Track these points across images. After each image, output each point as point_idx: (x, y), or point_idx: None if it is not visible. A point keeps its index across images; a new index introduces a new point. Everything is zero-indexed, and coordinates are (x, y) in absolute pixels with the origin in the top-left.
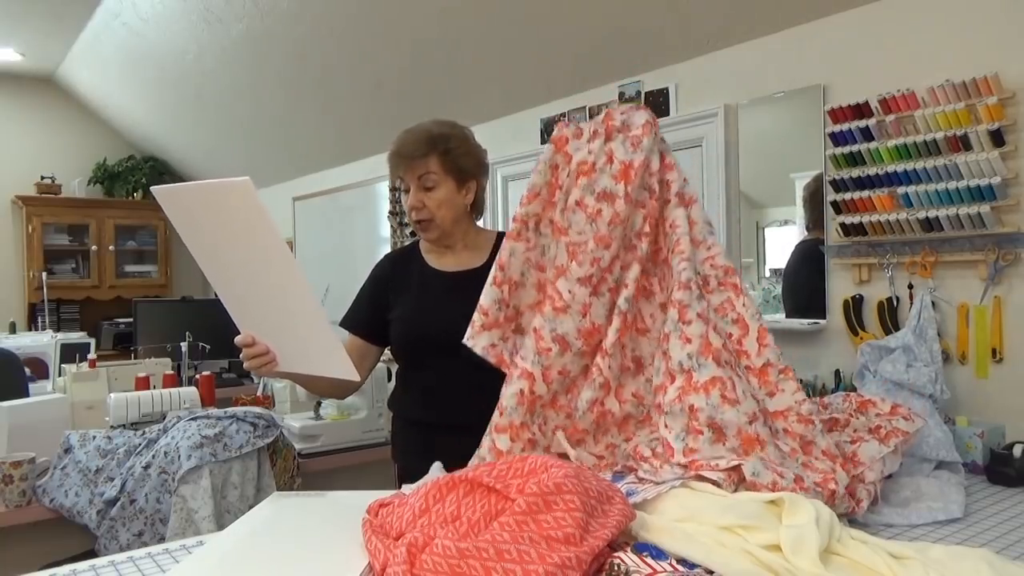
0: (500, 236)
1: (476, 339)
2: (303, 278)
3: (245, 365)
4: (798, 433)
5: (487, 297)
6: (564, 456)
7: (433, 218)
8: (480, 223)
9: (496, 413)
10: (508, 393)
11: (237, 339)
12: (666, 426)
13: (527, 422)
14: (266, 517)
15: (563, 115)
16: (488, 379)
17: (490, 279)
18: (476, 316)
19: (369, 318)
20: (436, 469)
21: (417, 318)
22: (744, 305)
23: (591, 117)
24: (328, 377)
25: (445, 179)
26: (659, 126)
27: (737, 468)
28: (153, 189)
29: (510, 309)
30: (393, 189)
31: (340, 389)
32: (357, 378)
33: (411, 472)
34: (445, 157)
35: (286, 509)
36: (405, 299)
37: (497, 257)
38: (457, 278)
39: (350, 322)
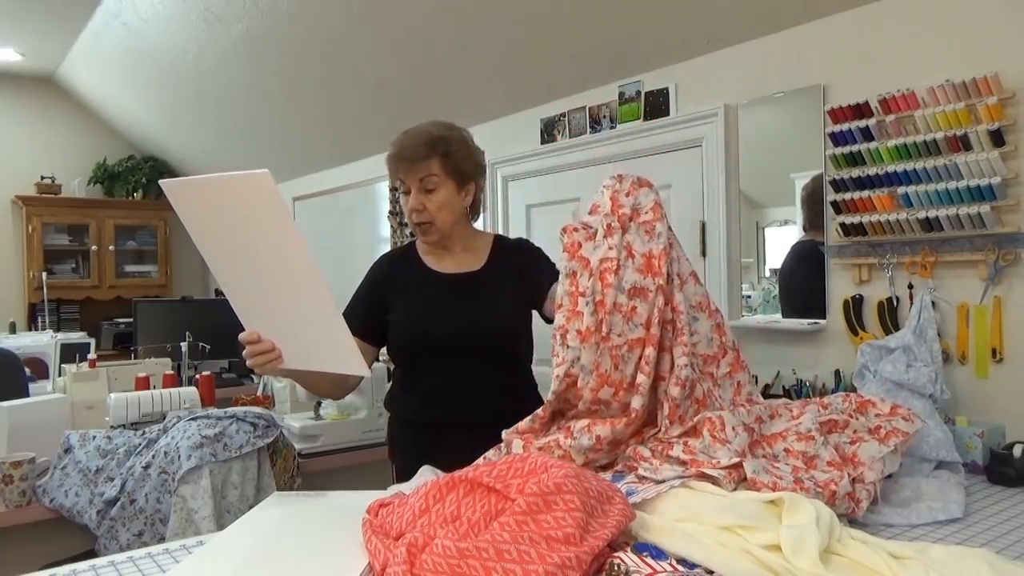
0: (497, 239)
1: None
2: (320, 274)
3: (248, 362)
4: (799, 451)
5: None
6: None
7: (434, 220)
8: (479, 224)
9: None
10: None
11: (241, 336)
12: (668, 445)
13: None
14: (266, 517)
15: (562, 115)
16: (487, 379)
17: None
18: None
19: (366, 318)
20: (427, 471)
21: (417, 320)
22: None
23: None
24: (330, 375)
25: (446, 181)
26: (661, 201)
27: (738, 466)
28: (162, 182)
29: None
30: (393, 189)
31: (340, 389)
32: (369, 374)
33: (410, 472)
34: (446, 160)
35: (286, 509)
36: (404, 301)
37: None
38: (456, 280)
39: (347, 321)
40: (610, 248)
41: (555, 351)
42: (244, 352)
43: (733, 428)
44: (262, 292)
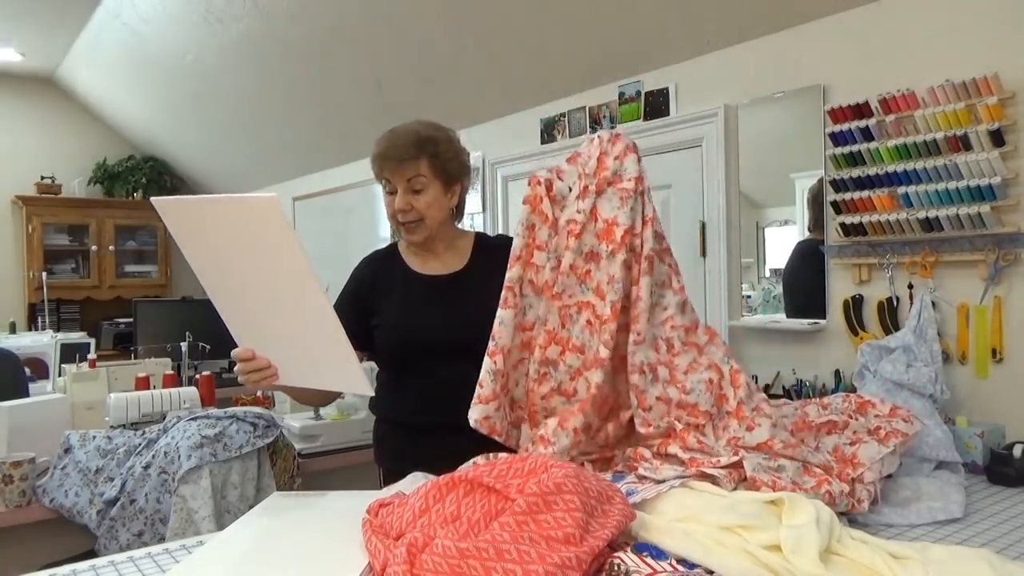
0: (479, 237)
1: (471, 412)
2: (325, 296)
3: (241, 379)
4: (787, 457)
5: (484, 370)
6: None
7: (422, 220)
8: (479, 222)
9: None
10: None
11: (235, 352)
12: (664, 443)
13: None
14: (266, 517)
15: (562, 115)
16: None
17: (487, 351)
18: (476, 389)
19: (351, 324)
20: (419, 477)
21: (404, 323)
22: (712, 354)
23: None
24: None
25: (434, 182)
26: (645, 174)
27: (737, 465)
28: (153, 200)
29: (505, 379)
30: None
31: (325, 399)
32: (372, 393)
33: (398, 476)
34: (434, 160)
35: (286, 509)
36: (389, 304)
37: (493, 329)
38: (441, 282)
39: None
40: (578, 212)
41: (507, 301)
42: (237, 368)
43: (714, 448)
44: (260, 310)
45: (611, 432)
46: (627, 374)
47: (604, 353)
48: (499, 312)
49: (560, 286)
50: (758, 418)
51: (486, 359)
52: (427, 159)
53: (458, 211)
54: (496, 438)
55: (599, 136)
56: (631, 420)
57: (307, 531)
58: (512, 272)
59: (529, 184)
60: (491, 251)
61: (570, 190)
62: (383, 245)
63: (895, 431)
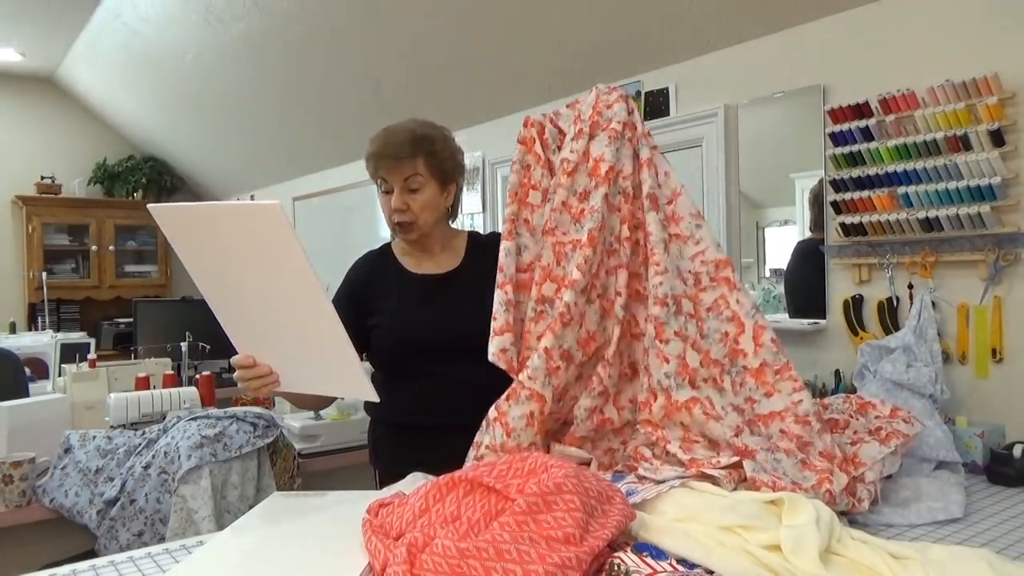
0: (472, 236)
1: (490, 345)
2: (328, 303)
3: (241, 385)
4: (795, 434)
5: (495, 302)
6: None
7: (416, 220)
8: (479, 223)
9: (501, 432)
10: (516, 415)
11: (235, 359)
12: (663, 438)
13: (536, 443)
14: (265, 517)
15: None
16: (475, 379)
17: (496, 283)
18: (491, 323)
19: (348, 325)
20: (419, 477)
21: (400, 324)
22: (739, 302)
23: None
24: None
25: (430, 181)
26: (636, 122)
27: (738, 466)
28: (150, 207)
29: (516, 310)
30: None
31: (324, 403)
32: (378, 399)
33: (395, 478)
34: (431, 159)
35: (286, 509)
36: (385, 305)
37: (499, 260)
38: (436, 281)
39: None
40: (571, 152)
41: (509, 233)
42: (237, 375)
43: (724, 408)
44: (262, 317)
45: (614, 417)
46: (643, 323)
47: (575, 275)
48: (502, 244)
49: (554, 222)
50: (780, 383)
51: (496, 291)
52: (423, 157)
53: (453, 211)
54: (512, 375)
55: (597, 87)
56: (633, 403)
57: (307, 531)
58: (510, 208)
59: (524, 125)
60: (484, 249)
61: (561, 134)
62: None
63: (896, 432)
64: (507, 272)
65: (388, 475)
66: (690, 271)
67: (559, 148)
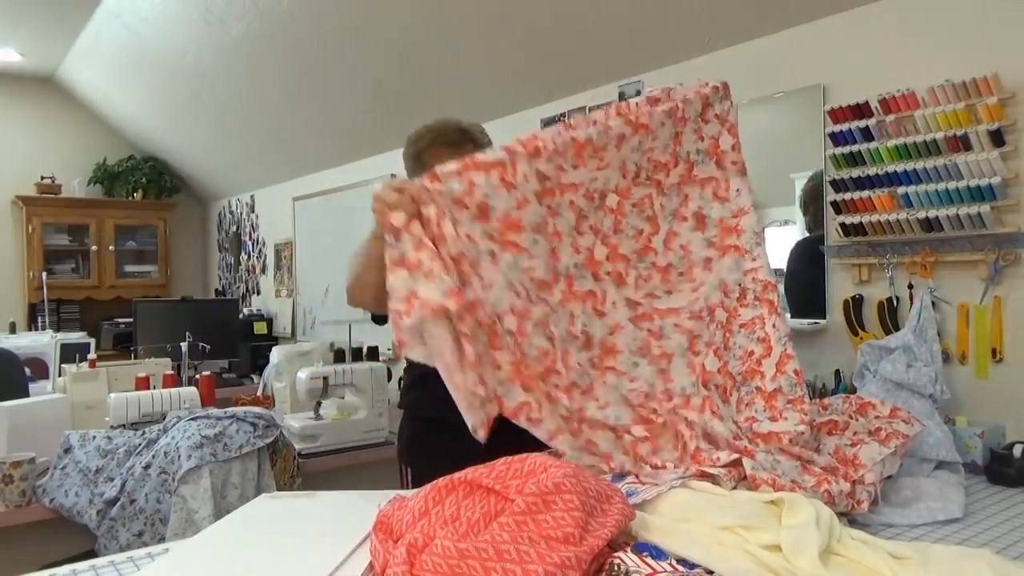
0: None
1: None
2: None
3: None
4: (795, 453)
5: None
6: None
7: None
8: None
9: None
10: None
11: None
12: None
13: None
14: (248, 518)
15: (563, 115)
16: None
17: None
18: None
19: None
20: None
21: None
22: (775, 326)
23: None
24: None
25: None
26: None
27: (737, 463)
28: None
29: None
30: None
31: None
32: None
33: (431, 476)
34: (477, 148)
35: (270, 511)
36: None
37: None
38: None
39: None
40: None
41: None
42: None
43: (726, 412)
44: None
45: (562, 372)
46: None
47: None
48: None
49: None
50: (789, 412)
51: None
52: (471, 145)
53: None
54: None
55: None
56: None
57: (286, 534)
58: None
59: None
60: None
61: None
62: None
63: (896, 432)
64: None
65: (423, 474)
66: (739, 284)
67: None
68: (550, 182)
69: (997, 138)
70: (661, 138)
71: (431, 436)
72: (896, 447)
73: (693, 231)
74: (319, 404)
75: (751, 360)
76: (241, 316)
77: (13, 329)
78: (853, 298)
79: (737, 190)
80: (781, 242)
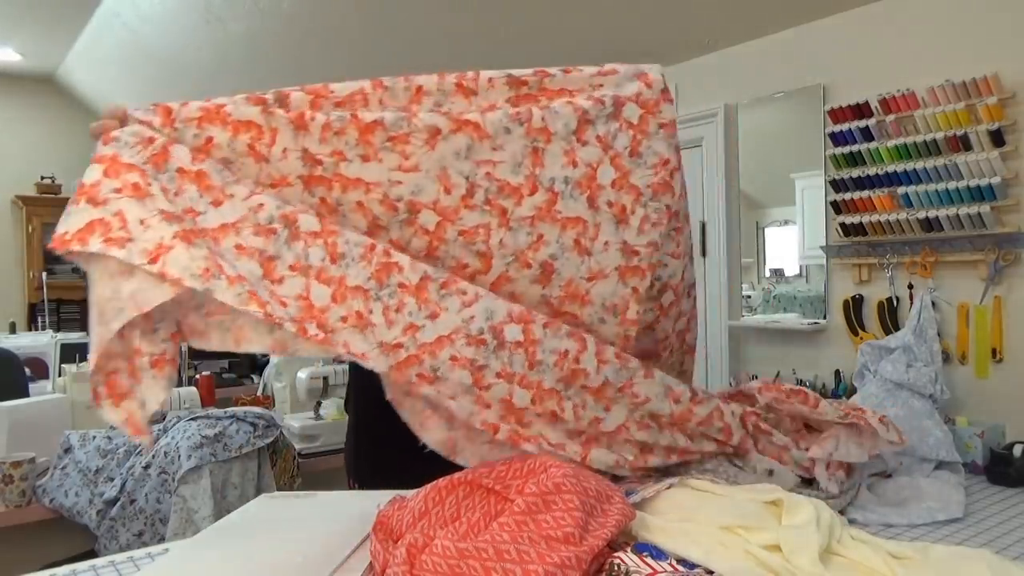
0: None
1: None
2: None
3: None
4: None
5: None
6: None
7: None
8: None
9: None
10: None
11: None
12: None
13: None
14: (248, 518)
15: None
16: None
17: None
18: None
19: None
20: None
21: None
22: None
23: None
24: None
25: None
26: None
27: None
28: None
29: None
30: None
31: None
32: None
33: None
34: None
35: (270, 511)
36: None
37: None
38: None
39: None
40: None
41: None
42: None
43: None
44: None
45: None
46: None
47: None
48: None
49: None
50: (614, 405)
51: None
52: None
53: None
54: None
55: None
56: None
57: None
58: None
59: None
60: None
61: None
62: None
63: (860, 417)
64: None
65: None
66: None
67: None
68: (322, 168)
69: (997, 138)
70: (508, 150)
71: (377, 454)
72: (860, 427)
73: (532, 284)
74: (319, 404)
75: (567, 360)
76: None
77: (13, 329)
78: (853, 298)
79: (606, 243)
80: (781, 242)
